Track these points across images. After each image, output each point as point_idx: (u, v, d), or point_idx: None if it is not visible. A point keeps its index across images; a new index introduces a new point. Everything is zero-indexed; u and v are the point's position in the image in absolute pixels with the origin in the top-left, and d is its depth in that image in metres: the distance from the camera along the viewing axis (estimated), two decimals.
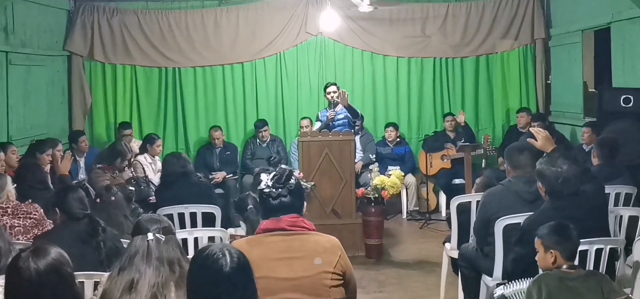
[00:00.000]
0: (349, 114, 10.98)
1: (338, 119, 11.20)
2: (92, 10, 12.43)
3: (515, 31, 13.00)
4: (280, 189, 4.20)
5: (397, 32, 13.04)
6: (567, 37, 12.09)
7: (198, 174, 8.96)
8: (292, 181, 4.25)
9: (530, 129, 6.52)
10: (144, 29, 12.68)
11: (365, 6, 12.04)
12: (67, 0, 12.33)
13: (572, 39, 11.85)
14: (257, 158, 12.41)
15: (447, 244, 7.78)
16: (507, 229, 6.01)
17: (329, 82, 11.90)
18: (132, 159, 10.11)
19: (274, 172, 4.31)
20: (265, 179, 4.29)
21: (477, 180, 8.49)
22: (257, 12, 12.88)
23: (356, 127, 11.08)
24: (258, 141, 12.60)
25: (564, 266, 4.76)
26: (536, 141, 6.17)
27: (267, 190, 4.23)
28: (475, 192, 7.76)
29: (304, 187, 4.44)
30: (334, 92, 11.35)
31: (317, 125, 11.59)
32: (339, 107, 11.21)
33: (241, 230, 6.44)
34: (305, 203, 4.38)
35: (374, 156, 12.04)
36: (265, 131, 12.55)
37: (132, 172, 9.75)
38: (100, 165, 9.07)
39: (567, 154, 6.14)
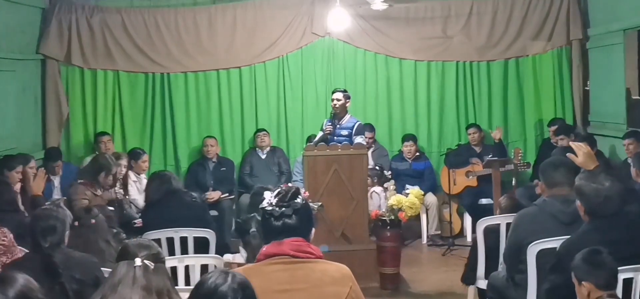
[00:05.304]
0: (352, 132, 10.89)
1: (340, 135, 10.93)
2: (69, 8, 12.38)
3: (549, 31, 12.96)
4: (284, 209, 4.17)
5: (414, 32, 13.03)
6: (607, 38, 12.03)
7: (193, 194, 8.89)
8: (299, 200, 4.22)
9: (571, 143, 6.49)
10: (128, 30, 12.64)
11: (379, 3, 12.01)
12: None
13: (613, 40, 11.78)
14: (256, 174, 12.40)
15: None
16: (542, 255, 5.98)
17: (336, 88, 11.58)
18: (119, 174, 10.03)
19: (279, 190, 4.29)
20: (269, 196, 4.27)
21: (501, 199, 8.47)
22: (257, 11, 12.87)
23: None
24: (257, 149, 12.62)
25: (604, 297, 4.74)
26: (576, 156, 6.15)
27: (269, 209, 4.20)
28: (502, 213, 7.76)
29: (312, 210, 4.42)
30: (338, 100, 11.08)
31: (320, 136, 11.40)
32: (346, 120, 11.03)
33: (239, 257, 6.41)
34: (313, 228, 4.36)
35: (390, 172, 11.99)
36: (264, 135, 12.60)
37: (119, 192, 9.65)
38: (81, 181, 8.99)
39: (609, 171, 6.12)
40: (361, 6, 12.56)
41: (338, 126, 10.99)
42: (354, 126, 10.86)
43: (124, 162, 10.37)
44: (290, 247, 4.10)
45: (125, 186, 10.16)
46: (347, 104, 11.11)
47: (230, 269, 3.62)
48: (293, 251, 4.10)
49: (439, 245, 11.94)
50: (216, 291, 3.39)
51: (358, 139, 10.55)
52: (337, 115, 11.07)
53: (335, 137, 10.80)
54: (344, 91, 11.24)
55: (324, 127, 11.17)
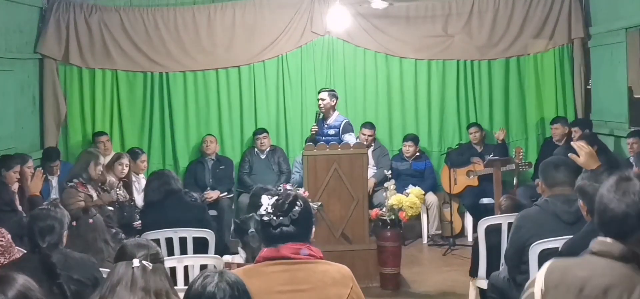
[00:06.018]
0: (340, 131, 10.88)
1: (327, 134, 10.96)
2: (67, 8, 12.36)
3: (550, 30, 12.94)
4: (281, 218, 4.12)
5: (415, 31, 13.00)
6: (609, 37, 12.02)
7: (193, 194, 8.88)
8: (297, 207, 4.16)
9: (572, 143, 6.47)
10: (126, 29, 12.62)
11: (379, 2, 12.01)
12: None
13: (614, 39, 11.77)
14: (255, 173, 12.39)
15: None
16: (544, 255, 5.95)
17: (323, 88, 11.72)
18: (120, 173, 9.99)
19: (277, 196, 4.24)
20: (266, 203, 4.21)
21: (501, 200, 8.44)
22: (256, 10, 12.84)
23: None
24: (256, 150, 12.59)
25: None
26: (578, 156, 6.13)
27: (266, 218, 4.16)
28: (503, 213, 7.74)
29: (312, 210, 4.39)
30: (323, 100, 11.16)
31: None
32: (333, 119, 11.10)
33: (239, 258, 6.39)
34: (313, 229, 4.32)
35: (390, 172, 11.96)
36: (264, 137, 12.53)
37: (119, 192, 9.60)
38: (71, 183, 8.91)
39: (612, 169, 6.09)
40: (361, 5, 12.55)
41: (326, 125, 11.02)
42: (340, 124, 10.94)
43: (125, 161, 10.33)
44: (289, 250, 4.08)
45: (128, 187, 10.11)
46: (334, 103, 11.18)
47: (225, 270, 3.60)
48: (292, 253, 4.08)
49: (440, 245, 11.91)
50: (204, 292, 3.36)
51: (346, 137, 10.59)
52: (323, 115, 11.12)
53: (322, 137, 10.82)
54: (331, 91, 11.38)
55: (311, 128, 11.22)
